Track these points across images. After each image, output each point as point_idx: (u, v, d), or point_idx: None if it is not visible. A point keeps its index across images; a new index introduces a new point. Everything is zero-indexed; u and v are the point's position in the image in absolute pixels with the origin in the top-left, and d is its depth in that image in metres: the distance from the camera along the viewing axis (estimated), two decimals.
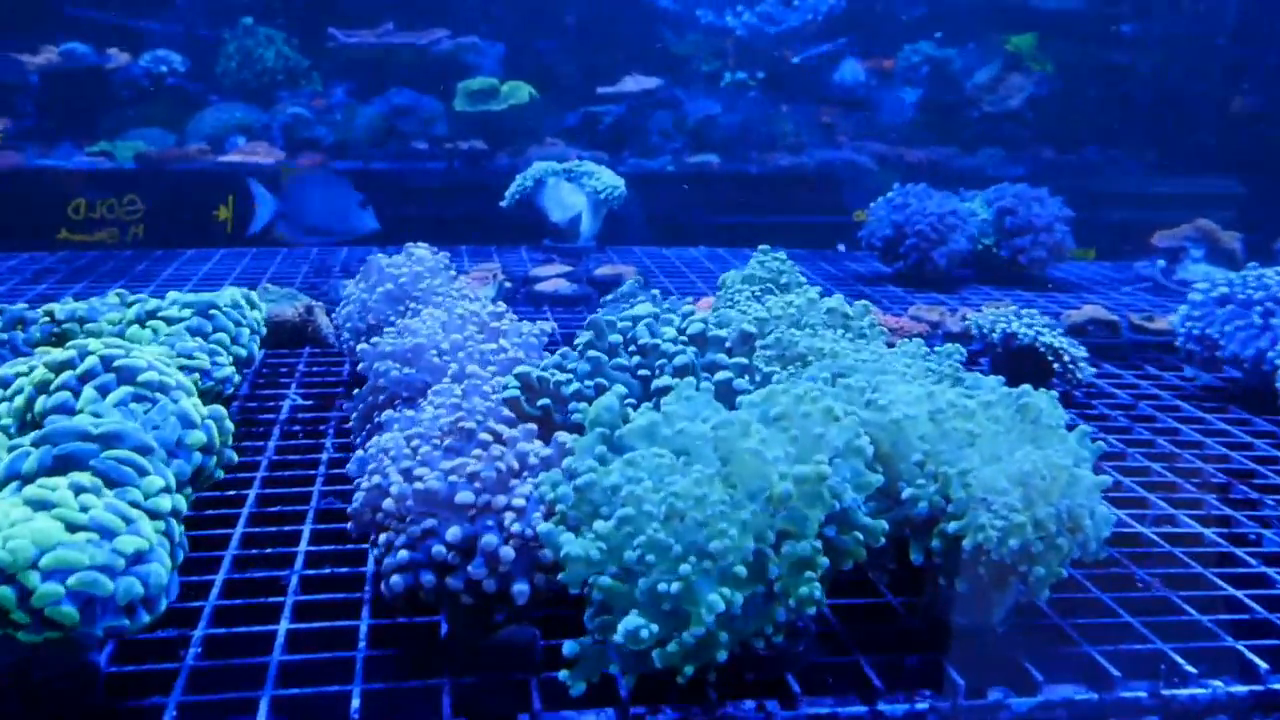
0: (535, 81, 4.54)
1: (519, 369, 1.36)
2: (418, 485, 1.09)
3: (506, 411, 1.32)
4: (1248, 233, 3.48)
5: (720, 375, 1.29)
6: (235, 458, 1.38)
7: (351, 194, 3.58)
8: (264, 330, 2.07)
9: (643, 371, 1.33)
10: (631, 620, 0.97)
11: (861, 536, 1.09)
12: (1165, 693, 1.16)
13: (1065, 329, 2.66)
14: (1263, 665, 1.20)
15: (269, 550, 1.43)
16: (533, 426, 1.21)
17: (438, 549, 1.08)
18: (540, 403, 1.31)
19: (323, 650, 1.20)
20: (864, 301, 1.63)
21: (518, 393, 1.30)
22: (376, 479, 1.16)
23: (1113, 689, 1.16)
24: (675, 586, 0.97)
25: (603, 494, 1.04)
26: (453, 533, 1.08)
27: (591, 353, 1.32)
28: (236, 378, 1.71)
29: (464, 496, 1.08)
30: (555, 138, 4.55)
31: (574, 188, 3.77)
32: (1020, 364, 2.16)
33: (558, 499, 1.07)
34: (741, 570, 0.98)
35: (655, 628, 0.97)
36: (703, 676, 1.07)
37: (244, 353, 1.76)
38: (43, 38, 4.41)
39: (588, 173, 3.79)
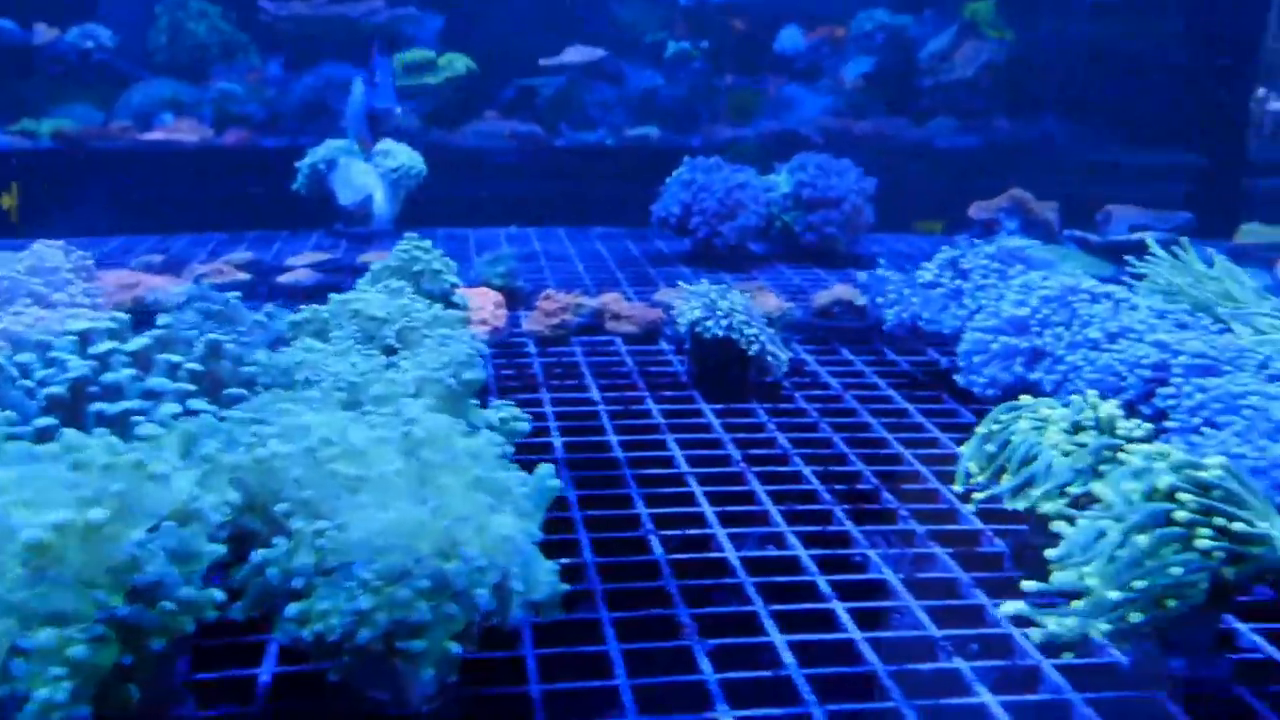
0: (477, 53, 4.32)
1: None
2: None
3: None
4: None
5: (120, 405, 1.07)
6: None
7: None
8: None
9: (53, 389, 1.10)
10: None
11: (174, 607, 0.87)
12: None
13: (813, 311, 2.46)
14: None
15: None
16: None
17: None
18: None
19: None
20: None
21: None
22: None
23: None
24: None
25: None
26: None
27: None
28: None
29: None
30: (493, 111, 4.34)
31: (367, 167, 3.53)
32: (714, 355, 1.96)
33: None
34: None
35: None
36: None
37: None
38: None
39: (382, 151, 3.55)
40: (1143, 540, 0.99)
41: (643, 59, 4.53)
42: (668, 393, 1.99)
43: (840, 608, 1.23)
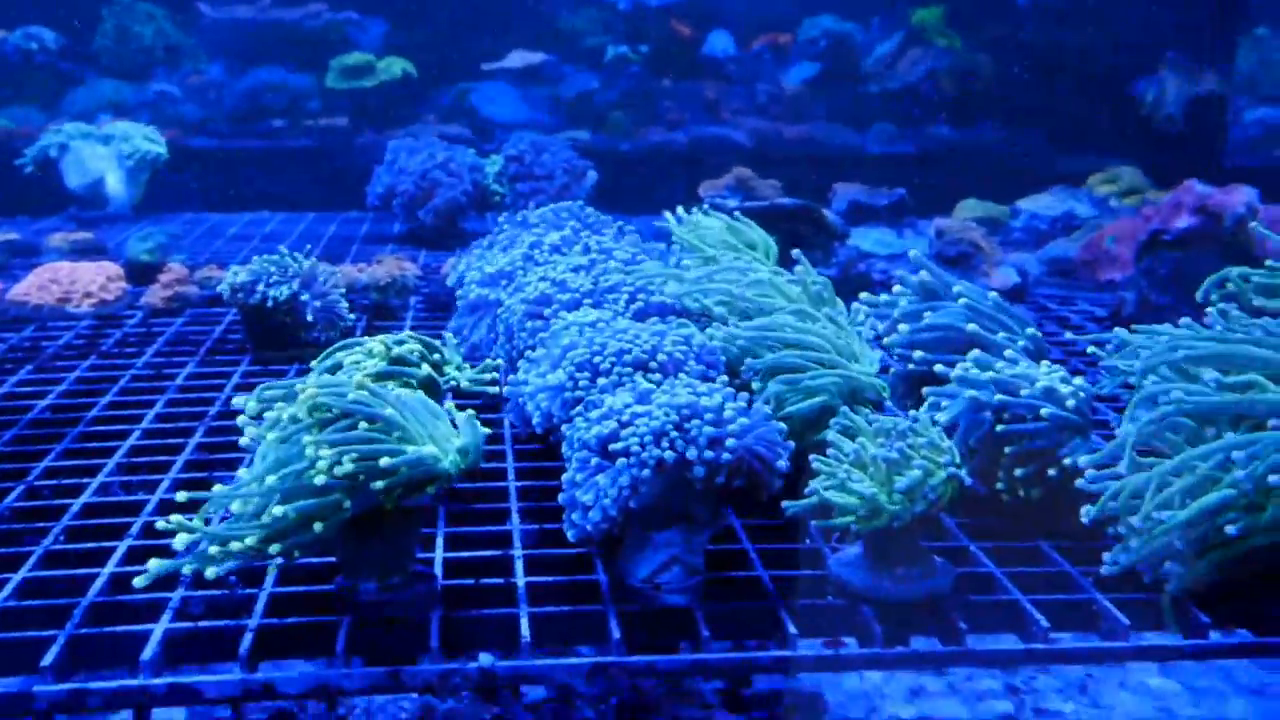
0: (418, 58, 4.28)
1: None
2: None
3: None
4: None
5: None
6: None
7: None
8: None
9: None
10: None
11: None
12: None
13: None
14: None
15: None
16: None
17: None
18: None
19: None
20: None
21: None
22: None
23: None
24: None
25: None
26: None
27: None
28: None
29: None
30: (431, 115, 4.33)
31: (104, 151, 3.49)
32: (252, 317, 1.92)
33: None
34: None
35: None
36: None
37: None
38: None
39: (120, 135, 3.51)
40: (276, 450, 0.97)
41: (584, 63, 4.51)
42: (220, 357, 1.95)
43: (122, 546, 1.20)
